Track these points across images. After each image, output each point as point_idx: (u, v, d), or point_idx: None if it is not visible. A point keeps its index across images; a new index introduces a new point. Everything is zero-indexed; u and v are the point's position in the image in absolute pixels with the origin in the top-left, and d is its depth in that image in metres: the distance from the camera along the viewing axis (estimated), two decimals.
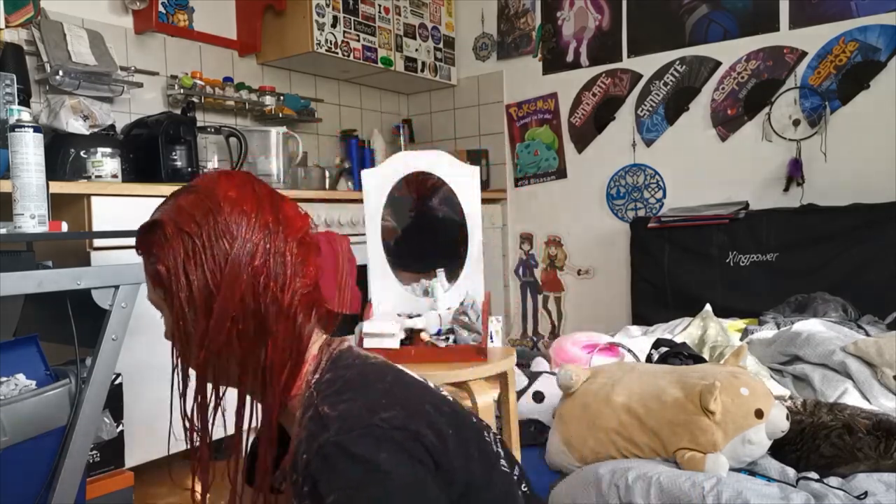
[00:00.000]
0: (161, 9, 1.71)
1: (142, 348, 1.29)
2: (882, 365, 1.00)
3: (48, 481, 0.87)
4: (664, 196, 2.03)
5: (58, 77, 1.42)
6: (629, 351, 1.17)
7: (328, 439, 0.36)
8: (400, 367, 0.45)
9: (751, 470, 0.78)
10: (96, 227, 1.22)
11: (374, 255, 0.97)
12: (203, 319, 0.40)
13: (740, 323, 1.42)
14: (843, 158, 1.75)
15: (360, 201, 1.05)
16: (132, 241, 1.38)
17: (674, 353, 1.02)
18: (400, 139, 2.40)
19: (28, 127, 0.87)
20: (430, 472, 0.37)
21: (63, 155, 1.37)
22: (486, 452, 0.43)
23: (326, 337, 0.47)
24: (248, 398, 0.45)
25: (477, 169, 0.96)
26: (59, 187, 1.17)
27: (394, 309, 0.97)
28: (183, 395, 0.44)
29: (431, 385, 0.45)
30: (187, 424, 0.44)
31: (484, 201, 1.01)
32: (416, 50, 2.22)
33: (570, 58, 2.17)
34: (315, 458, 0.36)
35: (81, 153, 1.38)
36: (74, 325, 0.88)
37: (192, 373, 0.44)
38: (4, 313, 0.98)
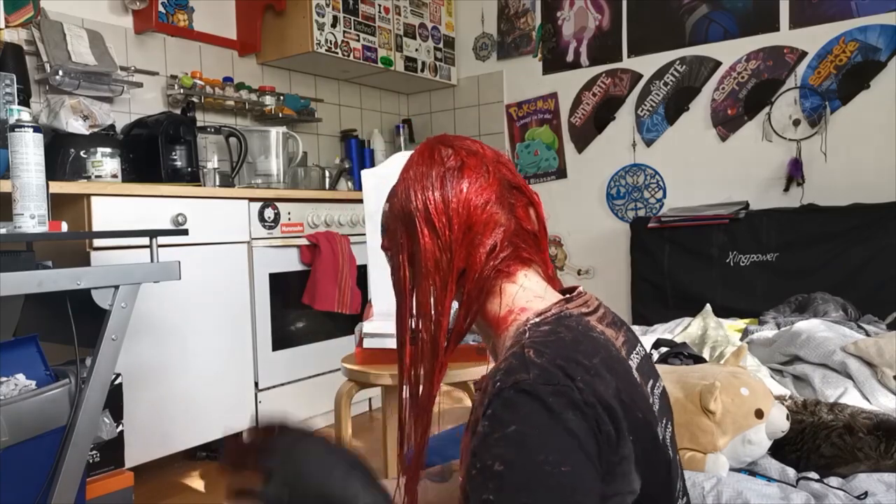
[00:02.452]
0: (161, 9, 1.71)
1: (142, 348, 1.29)
2: (882, 365, 1.00)
3: (48, 481, 0.87)
4: (664, 196, 2.03)
5: (58, 77, 1.42)
6: None
7: (526, 380, 0.38)
8: (619, 355, 0.45)
9: (751, 470, 0.78)
10: (96, 227, 1.22)
11: (373, 254, 0.97)
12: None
13: (740, 323, 1.42)
14: (844, 158, 1.75)
15: (360, 201, 1.05)
16: (132, 241, 1.37)
17: (674, 353, 1.02)
18: (400, 139, 2.40)
19: (28, 127, 0.87)
20: (595, 456, 0.38)
21: (63, 155, 1.37)
22: (669, 486, 0.43)
23: (574, 294, 0.49)
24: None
25: None
26: (58, 187, 1.17)
27: (394, 309, 0.96)
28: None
29: (646, 392, 0.45)
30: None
31: None
32: (416, 50, 2.22)
33: (570, 58, 2.17)
34: (509, 390, 0.38)
35: (81, 153, 1.38)
36: (74, 325, 0.88)
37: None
38: (4, 313, 0.98)
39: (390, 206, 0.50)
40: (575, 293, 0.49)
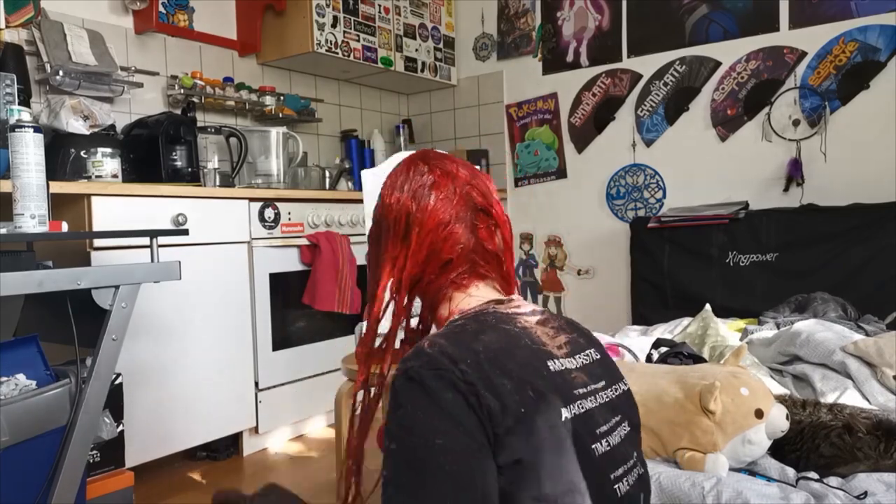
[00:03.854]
0: (161, 9, 1.71)
1: (142, 348, 1.29)
2: (882, 365, 1.00)
3: (48, 481, 0.87)
4: (664, 196, 2.03)
5: (58, 77, 1.42)
6: (629, 351, 1.17)
7: (413, 367, 0.44)
8: (530, 344, 0.48)
9: (751, 470, 0.78)
10: (96, 228, 1.22)
11: None
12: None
13: (740, 323, 1.42)
14: (843, 158, 1.75)
15: (360, 201, 1.05)
16: (133, 241, 1.37)
17: (673, 353, 1.01)
18: (400, 139, 2.40)
19: (28, 127, 0.87)
20: (475, 429, 0.42)
21: (63, 155, 1.37)
22: (559, 439, 0.46)
23: (501, 298, 0.54)
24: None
25: (477, 168, 0.96)
26: (59, 187, 1.17)
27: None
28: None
29: (567, 380, 0.49)
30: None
31: None
32: (416, 50, 2.22)
33: (570, 58, 2.17)
34: (399, 378, 0.44)
35: (81, 153, 1.38)
36: (75, 325, 0.88)
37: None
38: (4, 313, 0.98)
39: (377, 203, 0.56)
40: (510, 298, 0.54)
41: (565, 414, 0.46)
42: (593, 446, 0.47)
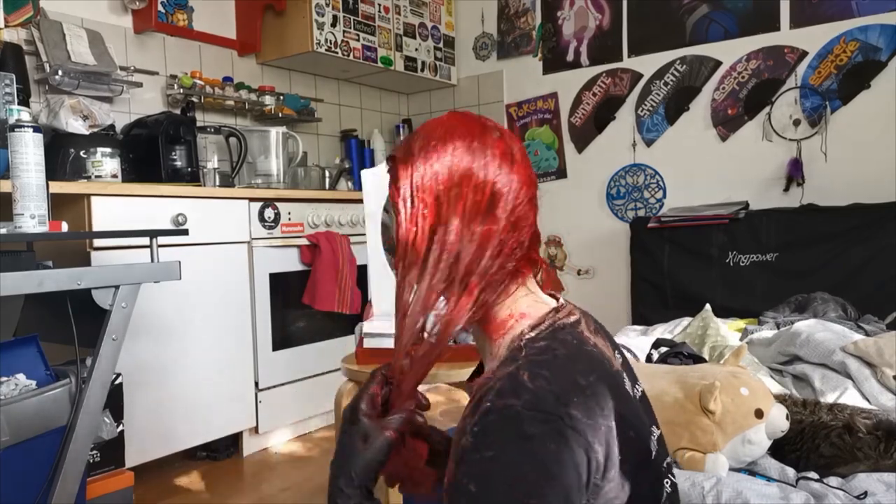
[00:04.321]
0: (160, 8, 1.71)
1: (142, 348, 1.29)
2: (882, 365, 1.00)
3: (48, 481, 0.87)
4: (664, 196, 2.03)
5: (57, 77, 1.42)
6: (629, 351, 1.17)
7: (514, 406, 0.38)
8: (611, 369, 0.43)
9: (750, 470, 0.78)
10: (96, 227, 1.22)
11: (373, 254, 0.96)
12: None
13: (740, 323, 1.42)
14: (844, 158, 1.75)
15: (360, 201, 1.05)
16: (133, 240, 1.37)
17: (673, 353, 1.01)
18: (400, 139, 2.40)
19: (28, 127, 0.87)
20: (581, 487, 0.38)
21: (63, 155, 1.37)
22: (655, 477, 0.43)
23: (561, 304, 0.47)
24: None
25: None
26: (58, 187, 1.17)
27: (394, 309, 0.96)
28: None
29: (636, 403, 0.44)
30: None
31: None
32: (416, 49, 2.22)
33: (570, 57, 2.17)
34: (495, 414, 0.38)
35: (81, 153, 1.38)
36: (75, 325, 0.88)
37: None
38: (5, 313, 0.98)
39: (429, 155, 0.43)
40: (560, 302, 0.48)
41: (653, 445, 0.44)
42: (662, 466, 0.45)
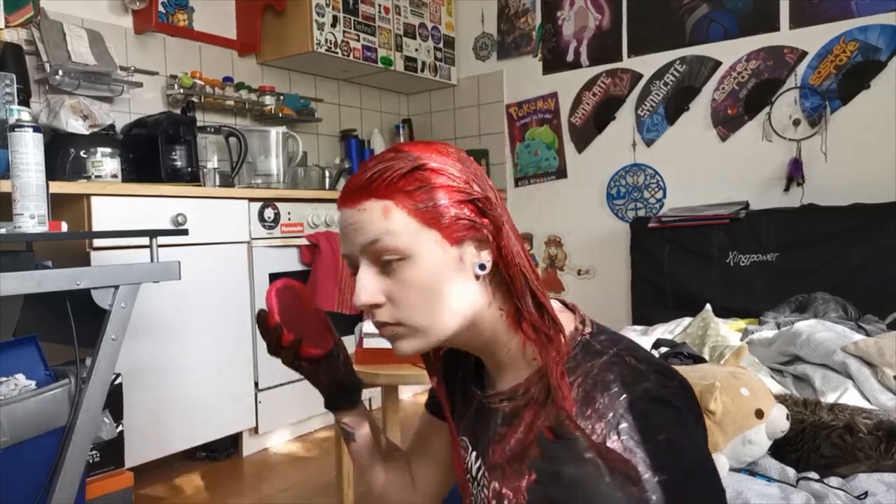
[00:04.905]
0: (161, 8, 1.71)
1: (141, 348, 1.29)
2: (882, 365, 1.00)
3: (48, 481, 0.87)
4: (664, 196, 2.03)
5: (57, 77, 1.42)
6: None
7: (651, 388, 0.40)
8: None
9: (751, 470, 0.78)
10: (96, 227, 1.22)
11: None
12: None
13: (740, 323, 1.42)
14: (844, 158, 1.75)
15: None
16: (132, 241, 1.37)
17: (674, 353, 1.01)
18: (400, 139, 2.40)
19: (28, 127, 0.87)
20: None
21: (63, 155, 1.37)
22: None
23: (578, 307, 0.48)
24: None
25: None
26: (58, 187, 1.17)
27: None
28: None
29: None
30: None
31: None
32: (416, 50, 2.22)
33: (570, 57, 2.17)
34: (640, 401, 0.39)
35: (81, 153, 1.38)
36: (74, 325, 0.88)
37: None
38: (4, 313, 0.98)
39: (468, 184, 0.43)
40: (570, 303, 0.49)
41: None
42: None
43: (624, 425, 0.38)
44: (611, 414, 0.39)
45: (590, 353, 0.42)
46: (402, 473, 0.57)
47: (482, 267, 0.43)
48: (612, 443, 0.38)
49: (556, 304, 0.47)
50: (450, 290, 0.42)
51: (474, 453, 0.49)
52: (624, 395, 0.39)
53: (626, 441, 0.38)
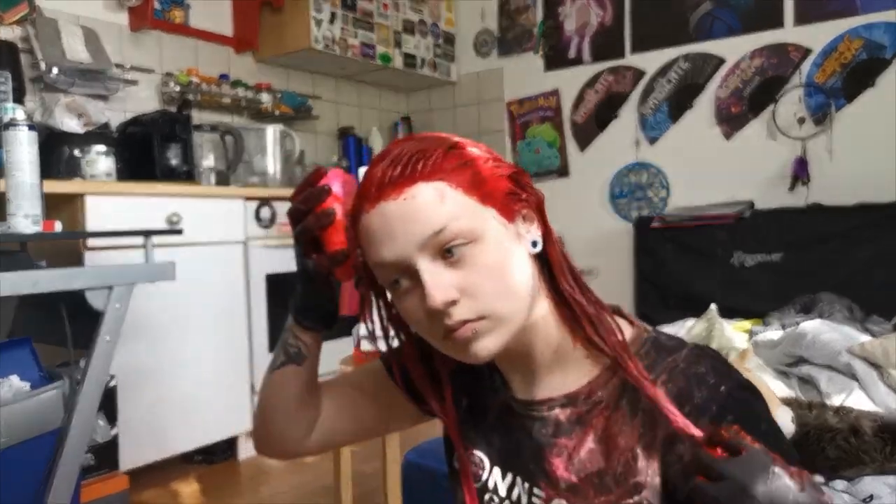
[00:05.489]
0: (157, 5, 1.69)
1: (136, 350, 1.28)
2: (888, 366, 0.98)
3: (42, 484, 0.86)
4: (668, 195, 2.01)
5: (52, 75, 1.41)
6: None
7: (738, 377, 0.39)
8: None
9: None
10: (90, 227, 1.21)
11: None
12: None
13: (745, 324, 1.40)
14: (849, 157, 1.73)
15: None
16: (127, 240, 1.35)
17: None
18: (398, 137, 2.38)
19: (22, 125, 0.86)
20: None
21: (57, 153, 1.36)
22: None
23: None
24: None
25: None
26: (53, 186, 1.16)
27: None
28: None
29: None
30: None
31: None
32: (416, 46, 2.20)
33: (572, 54, 2.15)
34: (737, 390, 0.38)
35: (76, 152, 1.37)
36: (68, 326, 0.87)
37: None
38: None
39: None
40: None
41: None
42: None
43: (731, 417, 0.36)
44: (714, 407, 0.36)
45: (665, 349, 0.40)
46: (312, 413, 0.49)
47: (534, 244, 0.39)
48: (727, 421, 0.37)
49: None
50: (520, 270, 0.38)
51: (498, 469, 0.44)
52: (723, 387, 0.37)
53: (744, 430, 0.35)
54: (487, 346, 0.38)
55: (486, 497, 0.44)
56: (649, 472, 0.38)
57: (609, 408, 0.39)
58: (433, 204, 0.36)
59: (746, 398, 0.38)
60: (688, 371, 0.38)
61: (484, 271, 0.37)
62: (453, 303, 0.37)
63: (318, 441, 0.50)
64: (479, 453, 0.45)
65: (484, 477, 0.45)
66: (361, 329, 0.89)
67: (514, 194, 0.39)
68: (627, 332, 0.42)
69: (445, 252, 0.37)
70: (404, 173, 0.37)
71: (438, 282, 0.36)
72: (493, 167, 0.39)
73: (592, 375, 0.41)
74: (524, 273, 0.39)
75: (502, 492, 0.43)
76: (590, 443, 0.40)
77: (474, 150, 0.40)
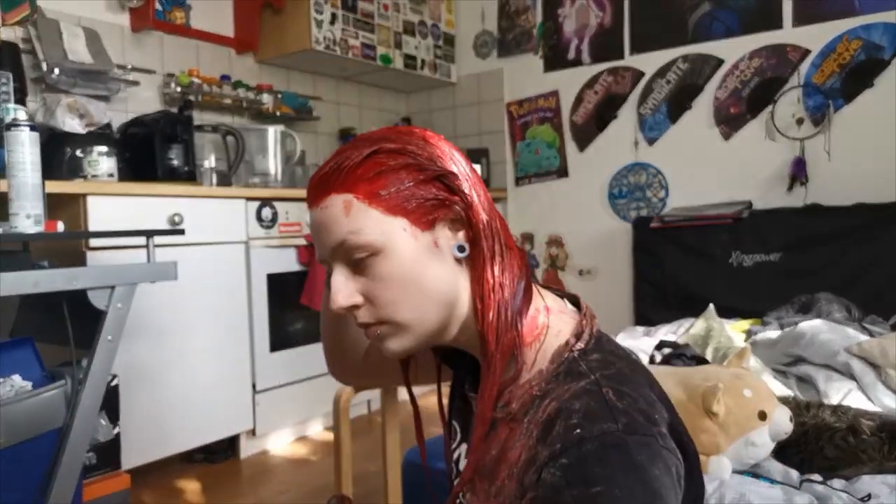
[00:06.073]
0: (158, 6, 1.70)
1: (138, 349, 1.28)
2: (886, 366, 0.99)
3: (44, 483, 0.86)
4: (667, 195, 2.01)
5: (54, 75, 1.41)
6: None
7: (614, 432, 0.34)
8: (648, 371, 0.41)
9: (754, 472, 0.78)
10: (92, 227, 1.21)
11: None
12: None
13: (744, 323, 1.41)
14: (848, 158, 1.74)
15: None
16: (129, 240, 1.36)
17: (676, 355, 1.01)
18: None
19: (24, 126, 0.86)
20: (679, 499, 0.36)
21: (59, 154, 1.36)
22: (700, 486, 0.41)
23: (587, 309, 0.43)
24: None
25: (477, 167, 0.95)
26: (55, 187, 1.16)
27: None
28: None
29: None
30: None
31: None
32: (416, 47, 2.21)
33: (571, 55, 2.15)
34: (593, 442, 0.34)
35: (78, 152, 1.37)
36: (70, 326, 0.87)
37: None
38: (0, 314, 0.98)
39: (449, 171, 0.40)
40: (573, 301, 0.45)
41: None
42: None
43: (563, 461, 0.34)
44: (558, 445, 0.34)
45: (571, 375, 0.38)
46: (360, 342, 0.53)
47: (461, 249, 0.39)
48: (547, 475, 0.34)
49: (560, 304, 0.43)
50: (429, 280, 0.38)
51: (465, 446, 0.45)
52: (578, 430, 0.34)
53: (559, 480, 0.33)
54: (393, 346, 0.40)
55: (452, 467, 0.47)
56: (508, 495, 0.37)
57: (516, 421, 0.39)
58: (338, 217, 0.38)
59: (593, 454, 0.33)
60: (565, 403, 0.36)
61: (384, 282, 0.38)
62: (356, 307, 0.40)
63: (367, 372, 0.54)
64: (455, 423, 0.48)
65: (453, 447, 0.47)
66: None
67: (436, 200, 0.39)
68: (559, 342, 0.40)
69: (354, 260, 0.39)
70: (323, 183, 0.39)
71: (340, 287, 0.39)
72: (416, 172, 0.39)
73: (522, 380, 0.40)
74: (435, 281, 0.39)
75: (461, 466, 0.45)
76: (493, 450, 0.40)
77: (400, 157, 0.39)
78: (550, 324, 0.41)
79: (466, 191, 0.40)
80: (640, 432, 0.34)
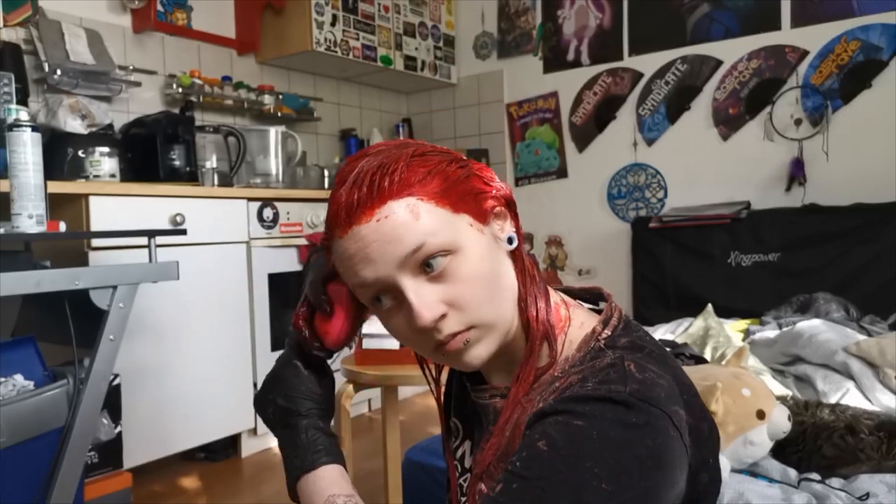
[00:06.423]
0: (159, 7, 1.71)
1: (140, 349, 1.29)
2: (884, 365, 0.99)
3: (46, 482, 0.87)
4: (665, 196, 2.02)
5: (56, 76, 1.42)
6: None
7: (620, 392, 0.33)
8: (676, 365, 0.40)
9: (752, 471, 0.78)
10: (94, 227, 1.21)
11: None
12: None
13: (742, 323, 1.41)
14: (845, 158, 1.75)
15: None
16: (130, 240, 1.36)
17: (675, 354, 1.01)
18: (400, 138, 2.39)
19: (26, 126, 0.86)
20: (673, 488, 0.34)
21: (61, 154, 1.37)
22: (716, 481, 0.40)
23: (596, 288, 0.43)
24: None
25: None
26: (57, 187, 1.17)
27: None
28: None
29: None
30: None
31: None
32: (416, 49, 2.22)
33: (570, 56, 2.16)
34: (597, 392, 0.33)
35: (79, 153, 1.38)
36: (72, 325, 0.88)
37: None
38: (2, 314, 0.98)
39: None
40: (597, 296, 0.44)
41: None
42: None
43: (564, 397, 0.34)
44: (568, 392, 0.34)
45: (597, 359, 0.37)
46: None
47: (510, 240, 0.39)
48: (546, 406, 0.34)
49: (571, 300, 0.42)
50: (502, 274, 0.38)
51: (468, 442, 0.45)
52: (588, 386, 0.34)
53: (550, 406, 0.33)
54: (479, 353, 0.38)
55: (455, 464, 0.46)
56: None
57: (525, 412, 0.38)
58: (407, 222, 0.35)
59: (593, 403, 0.33)
60: (589, 373, 0.36)
61: (468, 282, 0.36)
62: (442, 318, 0.36)
63: None
64: (456, 421, 0.47)
65: (455, 445, 0.46)
66: (364, 327, 0.90)
67: (483, 193, 0.38)
68: (583, 331, 0.39)
69: (425, 266, 0.36)
70: (372, 194, 0.36)
71: (425, 300, 0.36)
72: (458, 169, 0.38)
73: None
74: (506, 276, 0.38)
75: (467, 464, 0.45)
76: (507, 431, 0.39)
77: (436, 155, 0.38)
78: (572, 315, 0.41)
79: (499, 182, 0.39)
80: (650, 402, 0.33)
